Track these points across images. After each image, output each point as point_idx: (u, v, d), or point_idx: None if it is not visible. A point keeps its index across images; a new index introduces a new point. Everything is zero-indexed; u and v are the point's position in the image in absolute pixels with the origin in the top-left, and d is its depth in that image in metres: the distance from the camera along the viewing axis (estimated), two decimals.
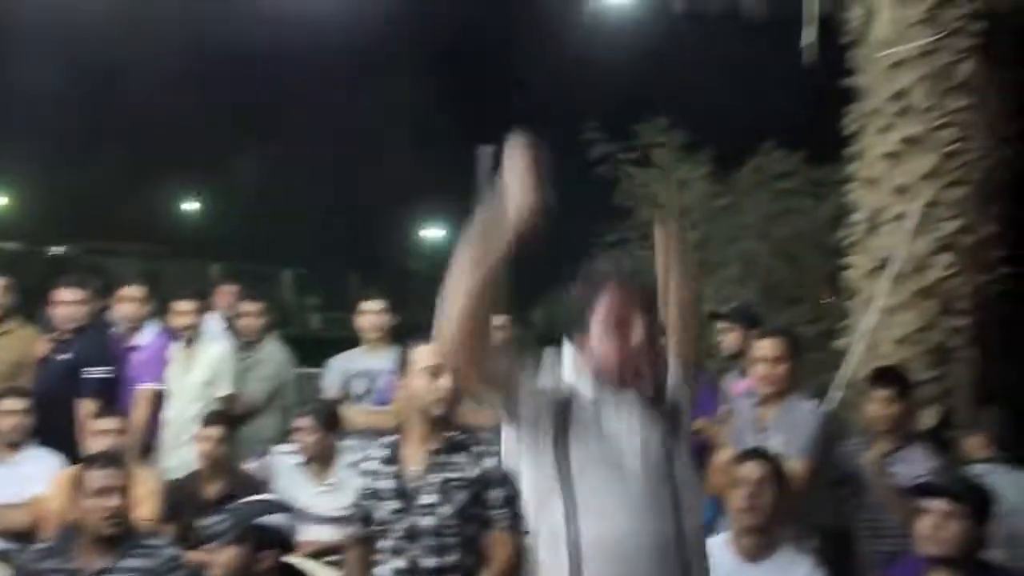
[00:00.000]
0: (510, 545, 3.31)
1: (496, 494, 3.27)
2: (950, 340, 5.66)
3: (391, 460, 3.30)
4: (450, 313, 2.16)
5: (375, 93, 23.33)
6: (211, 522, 3.30)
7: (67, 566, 3.68)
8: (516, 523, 3.34)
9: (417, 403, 3.26)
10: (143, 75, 20.00)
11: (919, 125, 5.63)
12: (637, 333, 2.25)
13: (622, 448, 2.26)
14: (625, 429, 2.27)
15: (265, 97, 22.29)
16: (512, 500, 3.31)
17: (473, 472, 3.25)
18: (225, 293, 6.41)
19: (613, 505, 2.25)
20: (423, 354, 3.24)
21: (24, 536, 4.51)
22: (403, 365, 3.31)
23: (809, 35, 5.74)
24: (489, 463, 3.26)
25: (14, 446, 4.80)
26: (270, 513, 3.33)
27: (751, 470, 3.58)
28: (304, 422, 4.81)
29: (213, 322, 6.03)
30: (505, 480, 3.29)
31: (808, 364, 6.71)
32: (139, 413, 5.37)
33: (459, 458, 3.26)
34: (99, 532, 3.66)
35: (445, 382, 3.20)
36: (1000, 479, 3.63)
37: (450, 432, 3.29)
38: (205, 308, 5.93)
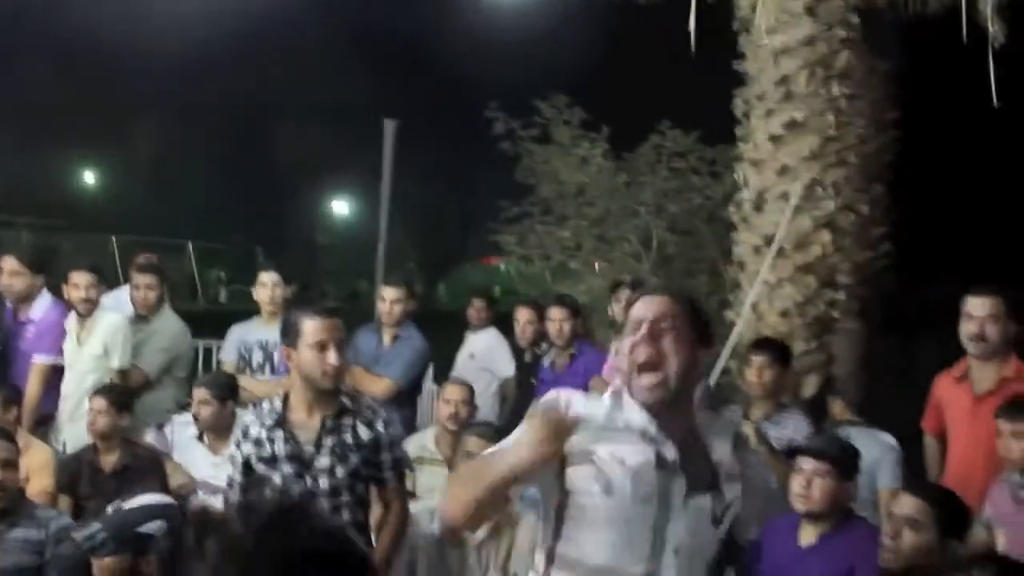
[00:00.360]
0: (399, 503, 3.47)
1: (387, 456, 3.39)
2: (830, 313, 5.95)
3: (279, 426, 3.36)
4: (457, 503, 2.20)
5: (284, 68, 22.99)
6: (89, 532, 3.24)
7: None
8: (403, 483, 3.48)
9: (305, 374, 3.31)
10: (39, 45, 19.35)
11: (802, 110, 5.89)
12: (643, 329, 2.25)
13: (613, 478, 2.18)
14: (624, 458, 2.19)
15: (172, 69, 21.75)
16: (400, 462, 3.45)
17: (365, 435, 3.34)
18: None
19: (589, 537, 2.20)
20: (311, 328, 3.27)
21: None
22: (287, 332, 3.35)
23: (692, 21, 5.93)
24: (379, 426, 3.37)
25: None
26: (151, 519, 3.28)
27: None
28: (200, 393, 4.80)
29: (124, 294, 5.96)
30: (394, 444, 3.42)
31: None
32: (33, 386, 5.29)
33: (350, 422, 3.35)
34: None
35: (332, 357, 3.26)
36: (860, 440, 3.88)
37: (339, 397, 3.37)
38: (111, 281, 5.82)
